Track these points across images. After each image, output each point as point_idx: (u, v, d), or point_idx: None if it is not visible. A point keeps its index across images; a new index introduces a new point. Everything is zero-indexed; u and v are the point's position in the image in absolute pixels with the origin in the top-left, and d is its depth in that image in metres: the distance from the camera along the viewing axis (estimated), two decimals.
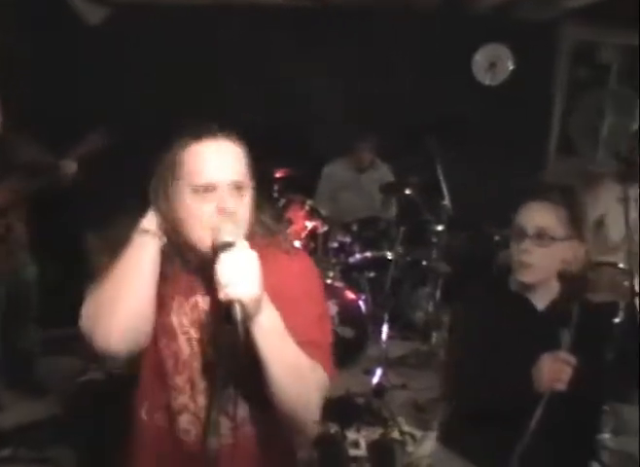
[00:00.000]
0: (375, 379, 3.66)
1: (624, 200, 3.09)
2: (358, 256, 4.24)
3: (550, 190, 1.77)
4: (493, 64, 5.14)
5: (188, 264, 1.33)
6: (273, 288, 1.18)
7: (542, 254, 1.69)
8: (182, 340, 1.33)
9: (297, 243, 4.31)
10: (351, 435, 3.14)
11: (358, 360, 4.06)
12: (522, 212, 1.73)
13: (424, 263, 4.35)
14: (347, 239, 4.25)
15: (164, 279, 1.33)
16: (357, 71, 5.15)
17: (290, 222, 4.31)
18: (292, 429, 1.35)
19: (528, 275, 1.72)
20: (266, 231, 1.36)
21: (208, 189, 1.21)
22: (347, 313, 3.95)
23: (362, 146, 4.72)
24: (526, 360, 1.62)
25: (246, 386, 1.27)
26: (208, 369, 1.31)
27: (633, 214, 3.09)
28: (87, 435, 2.83)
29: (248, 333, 1.13)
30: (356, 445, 3.05)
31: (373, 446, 3.06)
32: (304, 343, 1.24)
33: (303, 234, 4.30)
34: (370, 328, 4.05)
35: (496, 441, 1.64)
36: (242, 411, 1.33)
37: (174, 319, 1.34)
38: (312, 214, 4.27)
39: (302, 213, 4.30)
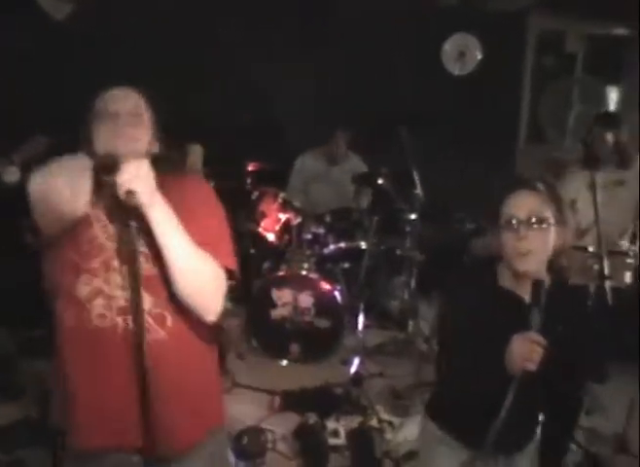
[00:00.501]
0: (353, 369, 3.67)
1: (592, 187, 3.16)
2: (332, 247, 4.25)
3: (529, 181, 1.77)
4: (462, 54, 5.17)
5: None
6: (175, 202, 1.47)
7: (539, 239, 1.69)
8: (97, 226, 1.52)
9: (271, 236, 4.32)
10: (330, 424, 3.17)
11: (335, 350, 4.08)
12: (510, 202, 1.73)
13: (398, 252, 4.37)
14: (321, 231, 4.25)
15: None
16: (327, 64, 5.13)
17: (263, 214, 4.31)
18: (197, 315, 1.54)
19: (528, 263, 1.70)
20: (168, 163, 1.60)
21: (111, 116, 1.50)
22: (323, 304, 3.97)
23: (334, 138, 4.71)
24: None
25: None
26: (121, 255, 1.49)
27: (600, 199, 3.15)
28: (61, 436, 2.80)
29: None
30: (335, 434, 3.08)
31: (352, 434, 3.08)
32: (203, 244, 1.50)
33: (277, 227, 4.30)
34: (346, 318, 4.07)
35: (479, 421, 1.67)
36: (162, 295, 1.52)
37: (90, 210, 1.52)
38: (285, 206, 4.27)
39: (274, 205, 4.30)
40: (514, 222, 1.69)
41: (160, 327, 1.51)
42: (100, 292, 1.49)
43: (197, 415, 1.61)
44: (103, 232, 1.51)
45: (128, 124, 1.53)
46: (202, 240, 1.50)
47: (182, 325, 1.55)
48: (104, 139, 1.50)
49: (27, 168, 3.05)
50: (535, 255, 1.71)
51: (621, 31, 5.37)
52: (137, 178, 1.38)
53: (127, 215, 1.42)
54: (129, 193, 1.36)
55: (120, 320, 1.48)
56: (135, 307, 1.44)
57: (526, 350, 1.57)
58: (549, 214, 1.71)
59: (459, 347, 1.80)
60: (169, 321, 1.52)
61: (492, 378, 1.67)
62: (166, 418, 1.50)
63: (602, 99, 5.52)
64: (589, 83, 5.53)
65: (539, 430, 1.97)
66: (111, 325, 1.48)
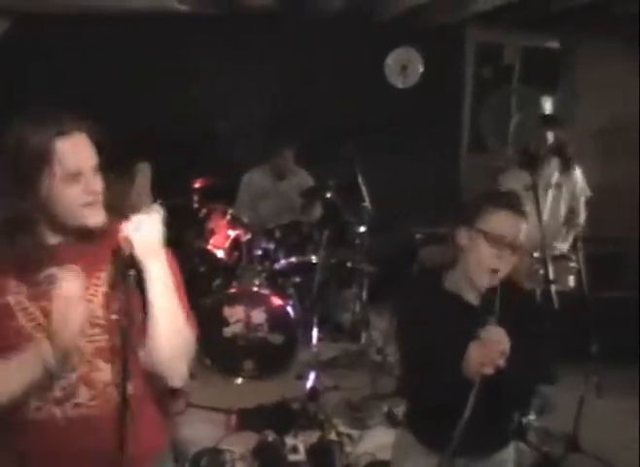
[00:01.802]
0: (309, 383, 3.66)
1: (533, 190, 3.24)
2: (283, 262, 4.24)
3: (516, 198, 1.82)
4: (404, 67, 5.26)
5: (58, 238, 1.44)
6: None
7: (511, 262, 1.75)
8: (21, 316, 1.38)
9: (220, 252, 4.27)
10: (289, 441, 3.14)
11: (290, 365, 4.06)
12: (499, 218, 1.75)
13: (349, 264, 4.39)
14: (271, 246, 4.24)
15: None
16: (273, 79, 5.15)
17: (212, 231, 4.26)
18: (163, 380, 1.48)
19: (494, 280, 1.74)
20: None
21: (76, 175, 1.38)
22: (276, 320, 3.95)
23: (280, 153, 4.71)
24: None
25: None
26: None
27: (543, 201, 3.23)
28: None
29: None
30: (295, 450, 3.05)
31: (311, 450, 3.07)
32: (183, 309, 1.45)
33: (227, 243, 4.26)
34: (299, 333, 4.05)
35: (444, 426, 1.68)
36: (104, 375, 1.43)
37: (10, 299, 1.39)
38: (234, 222, 4.24)
39: (223, 222, 4.26)
40: (500, 241, 1.72)
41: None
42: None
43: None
44: (29, 320, 1.38)
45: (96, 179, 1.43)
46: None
47: (140, 390, 1.51)
48: (83, 208, 1.40)
49: None
50: (501, 274, 1.75)
51: (554, 44, 5.56)
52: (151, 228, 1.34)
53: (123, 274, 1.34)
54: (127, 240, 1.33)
55: (57, 411, 1.39)
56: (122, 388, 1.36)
57: (483, 356, 1.60)
58: (522, 238, 1.76)
59: (413, 354, 1.82)
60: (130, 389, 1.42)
61: (449, 383, 1.69)
62: None
63: (539, 109, 5.70)
64: (526, 93, 5.71)
65: (509, 443, 2.00)
66: (48, 417, 1.39)
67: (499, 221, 1.74)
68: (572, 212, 3.96)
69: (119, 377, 1.39)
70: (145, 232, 1.33)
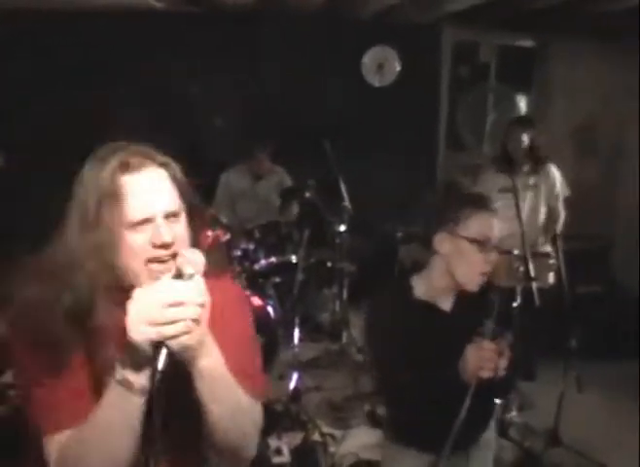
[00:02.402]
0: (292, 384, 3.63)
1: (514, 191, 3.26)
2: (263, 262, 4.20)
3: (489, 199, 1.81)
4: (381, 66, 5.26)
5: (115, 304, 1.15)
6: (215, 320, 1.10)
7: (494, 263, 1.76)
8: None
9: None
10: (273, 442, 3.12)
11: (271, 367, 4.02)
12: (480, 223, 1.74)
13: (329, 264, 4.37)
14: (251, 246, 4.20)
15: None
16: (249, 77, 5.11)
17: None
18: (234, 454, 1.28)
19: (478, 285, 1.76)
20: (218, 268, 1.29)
21: (144, 222, 1.14)
22: (257, 321, 3.85)
23: (258, 152, 4.68)
24: (447, 360, 1.65)
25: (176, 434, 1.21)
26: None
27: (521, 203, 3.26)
28: None
29: (188, 377, 1.08)
30: (279, 452, 3.03)
31: (296, 451, 3.05)
32: (242, 378, 1.19)
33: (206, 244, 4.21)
34: (280, 333, 4.02)
35: (435, 429, 1.68)
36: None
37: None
38: (213, 223, 4.19)
39: None
40: (486, 244, 1.72)
41: None
42: None
43: None
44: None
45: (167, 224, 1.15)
46: (242, 375, 1.19)
47: None
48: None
49: None
50: (485, 277, 1.76)
51: (528, 43, 5.62)
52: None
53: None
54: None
55: None
56: None
57: (481, 359, 1.59)
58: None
59: (383, 364, 1.80)
60: None
61: (428, 388, 1.68)
62: None
63: (515, 107, 5.76)
64: (503, 91, 5.76)
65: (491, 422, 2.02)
66: None
67: (482, 224, 1.73)
68: (552, 211, 4.01)
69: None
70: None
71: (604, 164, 5.71)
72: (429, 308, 1.81)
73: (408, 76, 5.29)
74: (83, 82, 4.59)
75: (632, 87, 5.45)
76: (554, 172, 3.96)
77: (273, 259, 4.21)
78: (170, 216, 1.15)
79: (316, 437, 3.26)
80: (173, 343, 1.00)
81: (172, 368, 1.02)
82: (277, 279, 4.32)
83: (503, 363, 1.59)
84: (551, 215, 4.03)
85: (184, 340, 1.00)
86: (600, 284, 4.85)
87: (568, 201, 4.04)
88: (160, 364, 1.00)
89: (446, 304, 1.83)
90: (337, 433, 3.37)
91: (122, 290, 1.10)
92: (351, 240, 4.27)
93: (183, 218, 1.19)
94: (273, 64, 5.10)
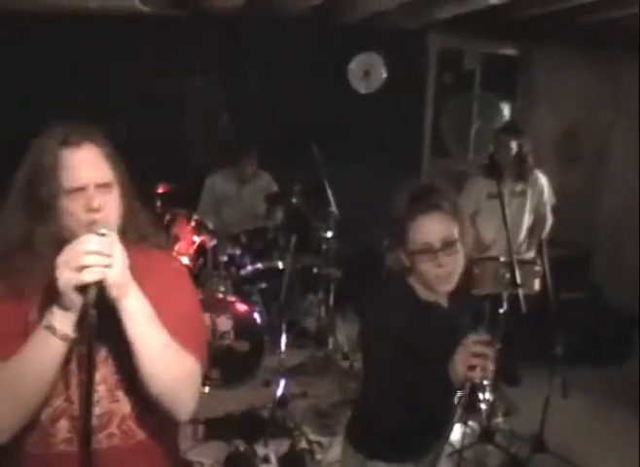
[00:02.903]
0: (279, 391, 3.60)
1: (499, 197, 3.28)
2: (250, 268, 4.19)
3: (431, 197, 1.72)
4: (367, 72, 5.27)
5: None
6: (140, 280, 1.28)
7: (454, 262, 1.71)
8: None
9: (185, 259, 4.19)
10: (260, 450, 3.10)
11: (256, 373, 4.01)
12: (422, 228, 1.69)
13: (315, 270, 4.36)
14: (237, 252, 4.18)
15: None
16: (234, 82, 5.10)
17: (177, 238, 4.18)
18: (167, 415, 1.37)
19: (449, 284, 1.73)
20: (139, 234, 1.47)
21: (78, 190, 1.32)
22: (243, 327, 3.89)
23: (243, 157, 4.66)
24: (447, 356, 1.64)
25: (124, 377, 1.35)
26: (81, 363, 1.32)
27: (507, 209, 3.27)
28: None
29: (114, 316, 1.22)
30: (266, 460, 3.02)
31: (283, 458, 3.03)
32: (178, 335, 1.32)
33: (192, 250, 4.18)
34: (265, 339, 4.00)
35: (420, 439, 1.67)
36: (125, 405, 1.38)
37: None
38: (199, 228, 4.17)
39: (188, 228, 4.18)
40: (430, 250, 1.68)
41: (141, 429, 1.41)
42: (63, 413, 1.34)
43: None
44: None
45: (98, 194, 1.34)
46: (175, 330, 1.32)
47: (156, 423, 1.43)
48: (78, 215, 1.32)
49: None
50: (453, 276, 1.74)
51: (512, 51, 5.68)
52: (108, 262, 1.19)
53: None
54: (89, 285, 1.18)
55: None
56: (85, 420, 1.24)
57: (469, 360, 1.57)
58: (457, 234, 1.71)
59: (381, 363, 1.78)
60: (147, 421, 1.40)
61: (432, 388, 1.67)
62: None
63: (499, 114, 5.80)
64: (487, 98, 5.80)
65: None
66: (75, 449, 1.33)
67: (421, 228, 1.69)
68: (539, 218, 4.05)
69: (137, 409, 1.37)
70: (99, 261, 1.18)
71: (587, 172, 5.77)
72: (428, 306, 1.79)
73: (394, 83, 5.31)
74: (68, 85, 4.55)
75: (615, 95, 5.54)
76: (542, 180, 4.00)
77: (260, 265, 4.20)
78: (102, 187, 1.34)
79: (303, 444, 3.25)
80: (92, 287, 1.17)
81: (103, 312, 1.18)
82: (263, 285, 4.31)
83: (491, 366, 1.58)
84: (538, 222, 4.07)
85: (103, 281, 1.18)
86: (583, 290, 4.90)
87: (553, 208, 4.08)
88: (89, 303, 1.17)
89: (444, 301, 1.83)
90: (324, 440, 3.36)
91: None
92: (338, 246, 4.26)
93: (115, 190, 1.39)
94: (260, 69, 5.08)
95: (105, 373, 1.35)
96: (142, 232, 1.48)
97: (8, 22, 4.27)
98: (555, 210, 4.10)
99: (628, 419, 3.79)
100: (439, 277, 1.70)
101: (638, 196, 5.41)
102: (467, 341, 1.57)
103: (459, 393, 1.62)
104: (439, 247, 1.67)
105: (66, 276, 1.17)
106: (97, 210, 1.31)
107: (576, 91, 5.58)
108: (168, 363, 1.30)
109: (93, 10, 4.04)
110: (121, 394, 1.37)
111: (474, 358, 1.54)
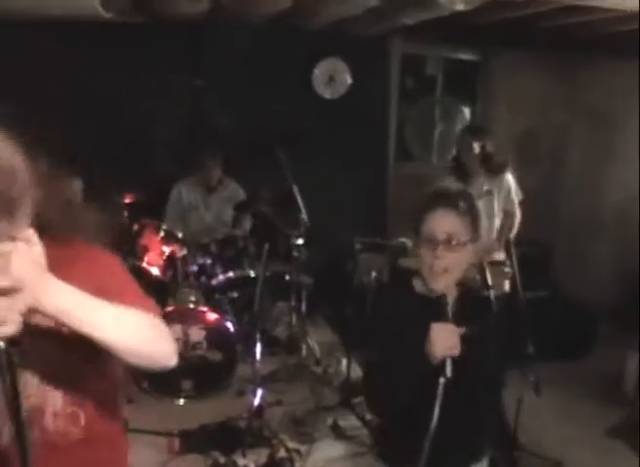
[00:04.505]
0: (257, 401, 3.56)
1: (489, 194, 3.35)
2: (221, 277, 4.15)
3: (451, 196, 1.83)
4: (332, 78, 5.29)
5: None
6: (92, 283, 1.16)
7: (454, 259, 1.76)
8: None
9: (155, 269, 4.13)
10: (240, 461, 3.07)
11: (229, 383, 3.97)
12: (431, 220, 1.78)
13: (287, 277, 4.34)
14: (208, 261, 4.14)
15: None
16: (199, 89, 5.05)
17: (146, 248, 4.11)
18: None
19: (439, 282, 1.77)
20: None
21: None
22: (215, 337, 3.85)
23: (209, 165, 4.63)
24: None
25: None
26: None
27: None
28: None
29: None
30: None
31: None
32: (126, 302, 1.23)
33: (161, 260, 4.12)
34: (238, 349, 3.97)
35: (411, 442, 1.68)
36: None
37: None
38: (168, 238, 4.11)
39: (157, 238, 4.12)
40: (432, 241, 1.75)
41: (74, 427, 1.34)
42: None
43: None
44: None
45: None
46: (121, 299, 1.23)
47: (96, 418, 1.38)
48: None
49: None
50: (449, 273, 1.77)
51: (471, 56, 5.78)
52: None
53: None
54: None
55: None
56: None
57: (448, 336, 1.63)
58: (466, 234, 1.77)
59: (385, 357, 1.79)
60: (82, 419, 1.34)
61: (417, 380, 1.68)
62: None
63: (461, 118, 5.91)
64: (449, 103, 5.90)
65: (483, 458, 2.00)
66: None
67: (431, 221, 1.78)
68: (508, 216, 4.12)
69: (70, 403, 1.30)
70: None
71: (545, 172, 5.91)
72: (429, 302, 1.81)
73: (358, 88, 5.34)
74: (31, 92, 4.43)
75: (571, 97, 5.69)
76: (508, 178, 4.08)
77: (231, 274, 4.17)
78: None
79: (282, 453, 3.23)
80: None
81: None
82: (234, 294, 4.27)
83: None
84: (507, 221, 4.14)
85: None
86: (545, 289, 5.01)
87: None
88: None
89: (450, 299, 1.85)
90: (302, 448, 3.35)
91: None
92: (308, 252, 4.26)
93: None
94: (225, 74, 5.04)
95: (34, 370, 1.27)
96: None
97: None
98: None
99: (596, 410, 3.94)
100: (432, 270, 1.76)
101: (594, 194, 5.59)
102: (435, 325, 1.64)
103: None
104: (441, 240, 1.74)
105: None
106: None
107: (533, 94, 5.72)
108: (135, 332, 1.23)
109: (57, 16, 3.94)
110: (51, 388, 1.30)
111: (452, 334, 1.62)
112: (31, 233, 1.08)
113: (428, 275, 1.78)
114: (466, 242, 1.77)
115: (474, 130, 4.12)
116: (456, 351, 1.61)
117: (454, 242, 1.75)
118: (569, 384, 4.19)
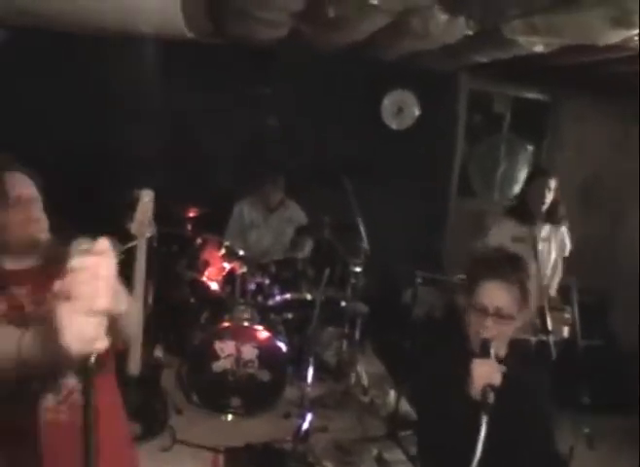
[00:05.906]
0: (305, 425, 3.57)
1: (532, 242, 3.30)
2: (278, 298, 4.19)
3: (501, 267, 1.85)
4: (400, 109, 5.34)
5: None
6: None
7: (501, 330, 1.81)
8: None
9: (214, 284, 4.20)
10: None
11: (276, 404, 3.99)
12: (481, 291, 1.82)
13: (343, 303, 4.34)
14: (266, 281, 4.19)
15: None
16: (268, 112, 5.16)
17: (207, 263, 4.19)
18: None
19: (483, 344, 1.79)
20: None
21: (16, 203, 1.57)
22: (267, 356, 3.87)
23: (270, 185, 4.70)
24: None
25: None
26: None
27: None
28: None
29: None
30: None
31: None
32: None
33: (221, 276, 4.19)
34: (288, 370, 3.99)
35: None
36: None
37: None
38: (230, 255, 4.18)
39: (218, 254, 4.20)
40: (483, 311, 1.80)
41: None
42: None
43: None
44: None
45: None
46: None
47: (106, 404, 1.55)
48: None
49: None
50: (495, 342, 1.80)
51: (540, 96, 5.75)
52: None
53: None
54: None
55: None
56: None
57: (488, 369, 1.68)
58: (514, 307, 1.81)
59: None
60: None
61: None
62: None
63: (524, 158, 5.86)
64: (514, 141, 5.87)
65: None
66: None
67: (481, 292, 1.83)
68: (555, 266, 4.03)
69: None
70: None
71: (608, 218, 5.80)
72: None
73: (425, 121, 5.38)
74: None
75: (636, 145, 5.58)
76: (564, 228, 3.98)
77: (288, 295, 4.20)
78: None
79: None
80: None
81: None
82: (289, 316, 4.31)
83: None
84: (556, 270, 4.04)
85: None
86: (602, 338, 4.87)
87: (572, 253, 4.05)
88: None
89: (501, 352, 1.86)
90: None
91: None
92: (366, 281, 4.27)
93: (40, 203, 1.66)
94: (295, 99, 5.15)
95: None
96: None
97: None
98: (576, 256, 4.07)
99: None
100: (480, 337, 1.80)
101: None
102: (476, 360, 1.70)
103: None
104: (491, 313, 1.80)
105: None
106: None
107: (601, 139, 5.64)
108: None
109: (143, 33, 4.10)
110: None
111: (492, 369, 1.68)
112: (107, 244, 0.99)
113: (474, 339, 1.83)
114: (515, 315, 1.81)
115: (549, 174, 3.96)
116: (496, 381, 1.65)
117: (504, 315, 1.80)
118: (626, 439, 4.04)
